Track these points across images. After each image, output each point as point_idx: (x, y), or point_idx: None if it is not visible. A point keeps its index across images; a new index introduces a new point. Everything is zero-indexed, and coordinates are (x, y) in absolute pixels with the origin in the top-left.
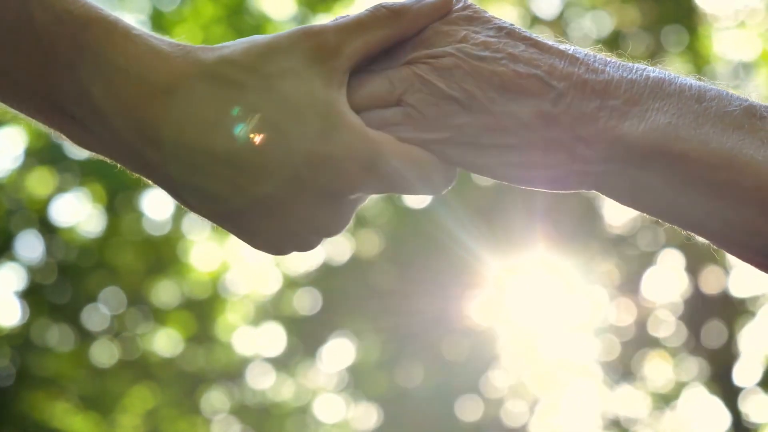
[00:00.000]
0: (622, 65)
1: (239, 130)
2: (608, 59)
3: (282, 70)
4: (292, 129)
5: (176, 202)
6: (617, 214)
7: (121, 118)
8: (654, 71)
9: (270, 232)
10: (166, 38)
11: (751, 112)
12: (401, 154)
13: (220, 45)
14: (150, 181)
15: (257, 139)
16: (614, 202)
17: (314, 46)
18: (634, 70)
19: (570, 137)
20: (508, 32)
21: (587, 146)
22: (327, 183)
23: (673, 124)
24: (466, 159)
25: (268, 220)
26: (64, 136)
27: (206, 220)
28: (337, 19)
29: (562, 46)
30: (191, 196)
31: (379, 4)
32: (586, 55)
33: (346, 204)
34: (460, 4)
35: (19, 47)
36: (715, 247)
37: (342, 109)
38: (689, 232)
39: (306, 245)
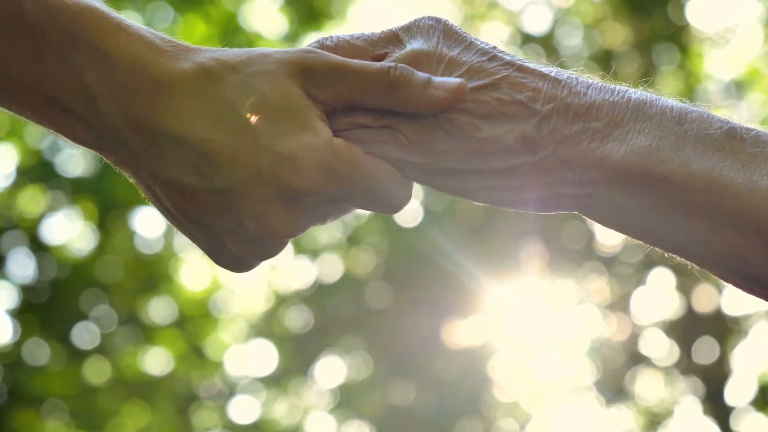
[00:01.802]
0: (605, 87)
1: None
2: (591, 81)
3: (263, 72)
4: (260, 126)
5: (152, 203)
6: (609, 233)
7: (110, 102)
8: (636, 93)
9: (229, 236)
10: (159, 33)
11: (731, 134)
12: (362, 163)
13: (216, 48)
14: (130, 177)
15: (230, 131)
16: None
17: (301, 70)
18: (615, 92)
19: (553, 161)
20: (491, 57)
21: (570, 169)
22: (285, 181)
23: (653, 146)
24: (448, 184)
25: (227, 216)
26: (54, 131)
27: (175, 225)
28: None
29: (545, 69)
30: (164, 190)
31: (387, 70)
32: (568, 77)
33: (304, 207)
34: (440, 25)
35: (10, 41)
36: (696, 267)
37: (312, 116)
38: (671, 254)
39: (265, 250)
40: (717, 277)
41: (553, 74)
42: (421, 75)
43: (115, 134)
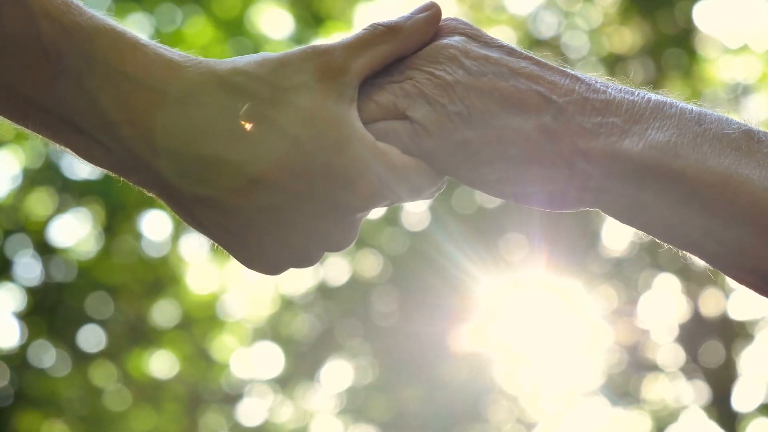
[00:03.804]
0: (624, 88)
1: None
2: (610, 82)
3: (296, 84)
4: (309, 141)
5: (180, 216)
6: (616, 237)
7: (129, 126)
8: (655, 95)
9: (272, 247)
10: (175, 50)
11: (749, 135)
12: (406, 165)
13: (231, 59)
14: (153, 195)
15: (276, 152)
16: (613, 221)
17: (324, 64)
18: (635, 93)
19: (570, 152)
20: (509, 51)
21: (587, 161)
22: (339, 198)
23: (672, 142)
24: (470, 174)
25: (272, 232)
26: (71, 151)
27: (208, 236)
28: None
29: (564, 68)
30: (197, 208)
31: (374, 22)
32: (587, 76)
33: (356, 219)
34: (461, 24)
35: (26, 62)
36: (708, 266)
37: (354, 122)
38: (684, 252)
39: (308, 260)
40: (729, 277)
41: (571, 72)
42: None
43: (136, 158)
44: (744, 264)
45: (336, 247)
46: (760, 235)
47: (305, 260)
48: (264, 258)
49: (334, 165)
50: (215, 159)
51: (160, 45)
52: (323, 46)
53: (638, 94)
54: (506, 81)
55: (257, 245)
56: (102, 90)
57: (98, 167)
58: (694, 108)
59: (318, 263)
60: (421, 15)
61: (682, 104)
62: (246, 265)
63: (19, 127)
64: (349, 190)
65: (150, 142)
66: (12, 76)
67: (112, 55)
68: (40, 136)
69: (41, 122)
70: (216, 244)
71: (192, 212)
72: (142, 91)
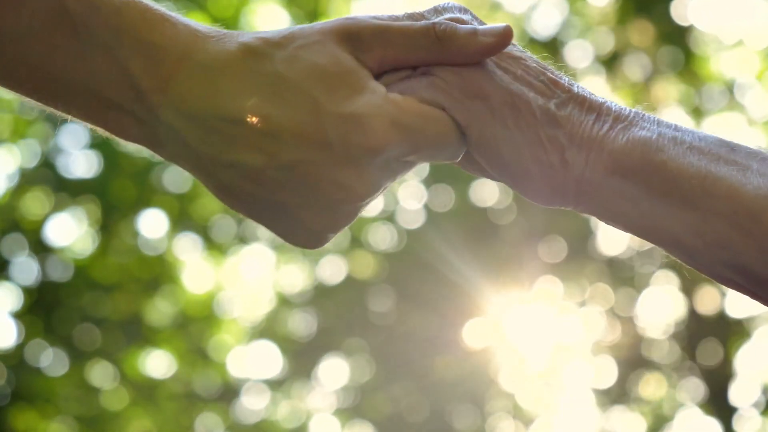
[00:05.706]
0: (608, 98)
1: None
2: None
3: (310, 43)
4: (320, 93)
5: (213, 191)
6: (612, 235)
7: (160, 94)
8: (639, 109)
9: (303, 207)
10: (200, 23)
11: (724, 143)
12: (422, 111)
13: (257, 31)
14: (185, 169)
15: (289, 104)
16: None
17: (347, 36)
18: (621, 104)
19: (566, 139)
20: (518, 49)
21: (578, 151)
22: (355, 142)
23: (654, 139)
24: (485, 133)
25: (300, 191)
26: (102, 129)
27: (242, 210)
28: (381, 18)
29: (562, 74)
30: (228, 176)
31: (432, 26)
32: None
33: (376, 167)
34: (469, 13)
35: (54, 41)
36: (685, 264)
37: (365, 77)
38: (663, 248)
39: (342, 218)
40: (707, 274)
41: (570, 79)
42: (466, 26)
43: (167, 127)
44: (721, 258)
45: (363, 195)
46: (736, 228)
47: (340, 219)
48: (299, 227)
49: (346, 111)
50: (237, 119)
51: (185, 18)
52: (355, 22)
53: (622, 104)
54: (516, 63)
55: (288, 212)
56: (131, 60)
57: (131, 142)
58: (671, 122)
59: (354, 220)
60: (486, 39)
61: (659, 117)
62: (288, 240)
63: (49, 108)
64: (364, 135)
65: (178, 108)
66: (40, 57)
67: (141, 26)
68: (69, 117)
69: (71, 102)
70: (256, 222)
71: (224, 183)
72: (170, 59)
